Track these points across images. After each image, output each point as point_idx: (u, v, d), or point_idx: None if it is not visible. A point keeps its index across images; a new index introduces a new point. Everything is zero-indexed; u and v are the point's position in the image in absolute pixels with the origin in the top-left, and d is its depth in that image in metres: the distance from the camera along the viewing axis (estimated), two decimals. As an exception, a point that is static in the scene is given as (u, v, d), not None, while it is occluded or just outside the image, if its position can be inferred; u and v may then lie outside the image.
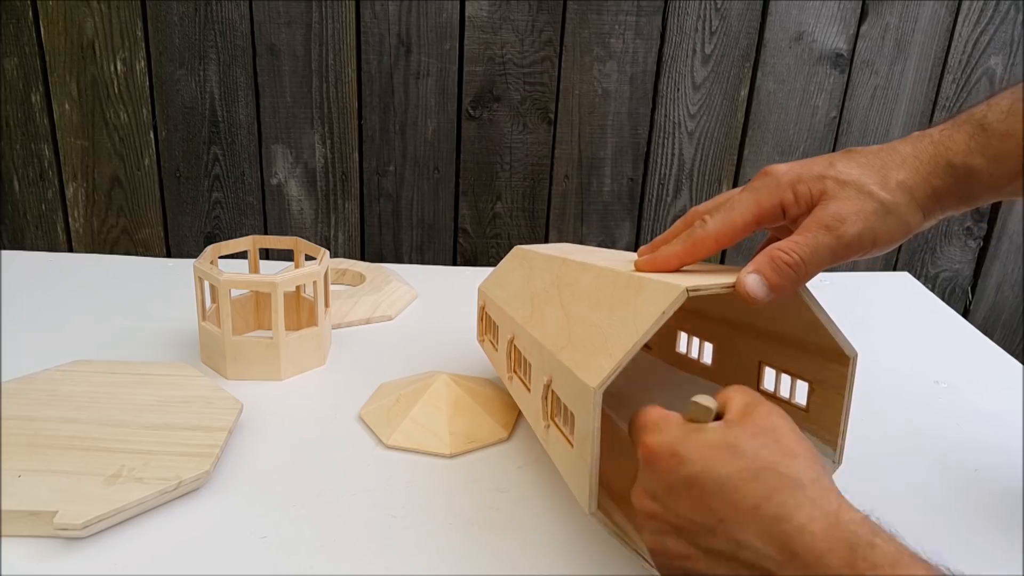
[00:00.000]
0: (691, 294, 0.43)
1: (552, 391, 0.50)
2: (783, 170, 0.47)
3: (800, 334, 0.52)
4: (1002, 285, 1.23)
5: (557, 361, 0.49)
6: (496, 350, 0.65)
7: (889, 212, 0.45)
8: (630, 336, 0.44)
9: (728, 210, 0.48)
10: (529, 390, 0.56)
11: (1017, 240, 1.20)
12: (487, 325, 0.69)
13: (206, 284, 0.71)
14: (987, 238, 1.21)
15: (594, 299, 0.51)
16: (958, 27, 1.09)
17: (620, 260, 0.57)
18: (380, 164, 1.11)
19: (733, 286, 0.45)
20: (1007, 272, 1.22)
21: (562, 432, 0.49)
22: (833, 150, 1.14)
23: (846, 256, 0.45)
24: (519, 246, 0.70)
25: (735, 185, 1.14)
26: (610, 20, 1.05)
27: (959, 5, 1.07)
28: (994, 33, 1.09)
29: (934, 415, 0.71)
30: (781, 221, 0.48)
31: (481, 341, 0.71)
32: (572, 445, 0.47)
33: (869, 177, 0.45)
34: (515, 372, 0.60)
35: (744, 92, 1.10)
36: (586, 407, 0.44)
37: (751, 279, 0.44)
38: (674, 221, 1.18)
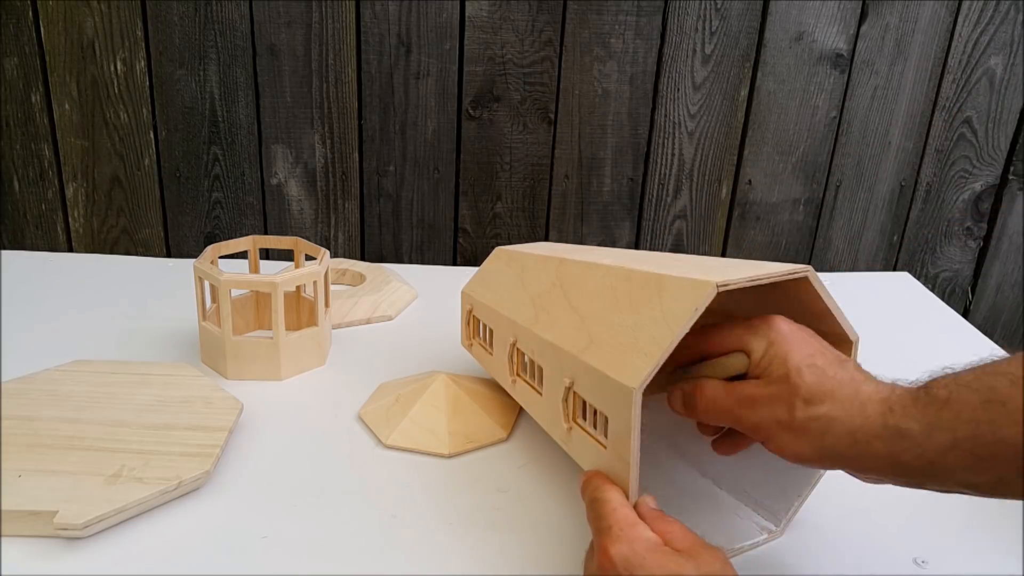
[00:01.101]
0: (720, 289, 0.43)
1: (574, 393, 0.50)
2: (782, 325, 0.47)
3: (800, 322, 0.52)
4: (1002, 285, 1.23)
5: (581, 363, 0.49)
6: (491, 354, 0.65)
7: (795, 430, 0.43)
8: (665, 334, 0.44)
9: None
10: (540, 393, 0.56)
11: (1017, 240, 1.20)
12: (475, 329, 0.69)
13: (206, 284, 0.71)
14: (987, 238, 1.21)
15: (609, 298, 0.51)
16: (958, 27, 1.09)
17: (621, 258, 0.57)
18: (380, 164, 1.11)
19: (759, 279, 0.46)
20: (1007, 272, 1.22)
21: (589, 433, 0.49)
22: (833, 150, 1.15)
23: (743, 431, 0.47)
24: (501, 247, 0.70)
25: (735, 185, 1.14)
26: (610, 20, 1.05)
27: (959, 5, 1.07)
28: (994, 33, 1.09)
29: (934, 415, 0.71)
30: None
31: (468, 346, 0.70)
32: (604, 446, 0.47)
33: (808, 390, 0.44)
34: (519, 376, 0.60)
35: (744, 92, 1.10)
36: (624, 407, 0.44)
37: (674, 396, 0.50)
38: (674, 221, 1.19)
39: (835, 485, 0.56)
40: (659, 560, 0.40)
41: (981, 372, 0.40)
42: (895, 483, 0.43)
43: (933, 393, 0.41)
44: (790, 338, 0.46)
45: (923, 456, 0.40)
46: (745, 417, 0.45)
